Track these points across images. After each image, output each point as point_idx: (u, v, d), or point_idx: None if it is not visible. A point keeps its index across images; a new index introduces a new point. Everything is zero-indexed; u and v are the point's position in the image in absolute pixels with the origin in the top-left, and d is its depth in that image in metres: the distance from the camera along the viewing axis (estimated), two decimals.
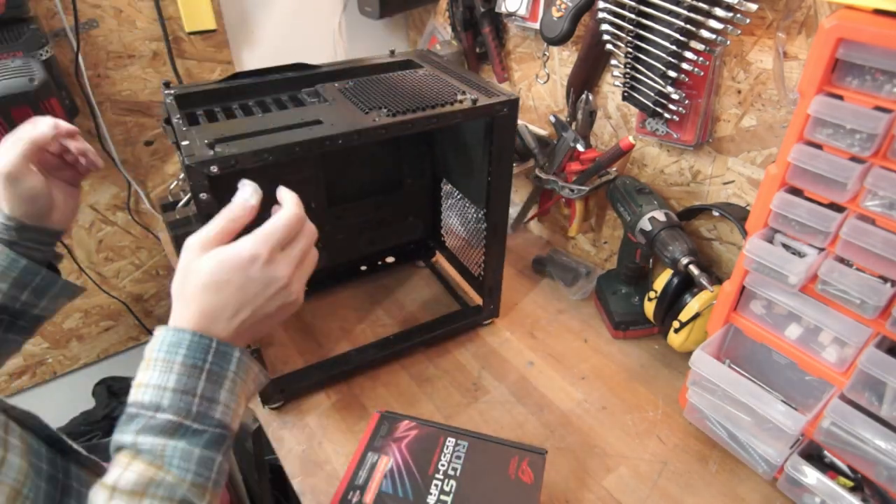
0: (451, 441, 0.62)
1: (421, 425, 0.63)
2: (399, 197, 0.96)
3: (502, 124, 0.71)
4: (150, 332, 1.30)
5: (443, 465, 0.60)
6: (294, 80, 0.74)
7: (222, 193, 0.51)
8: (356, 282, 1.01)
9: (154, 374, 0.42)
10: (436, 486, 0.57)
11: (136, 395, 0.42)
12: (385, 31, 1.33)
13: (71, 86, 0.98)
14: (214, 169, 0.54)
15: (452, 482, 0.58)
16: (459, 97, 0.67)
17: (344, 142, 0.60)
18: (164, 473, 0.40)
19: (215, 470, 0.43)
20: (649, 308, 0.82)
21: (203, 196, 0.54)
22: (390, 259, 1.04)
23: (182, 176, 1.09)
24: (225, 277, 0.44)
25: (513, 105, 0.69)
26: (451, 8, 1.08)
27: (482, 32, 1.05)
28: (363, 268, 1.03)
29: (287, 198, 0.49)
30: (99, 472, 0.51)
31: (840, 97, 0.48)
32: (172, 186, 1.16)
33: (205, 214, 0.52)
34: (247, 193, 0.48)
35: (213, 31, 1.07)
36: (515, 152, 0.90)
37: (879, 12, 0.44)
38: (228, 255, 0.44)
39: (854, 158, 0.49)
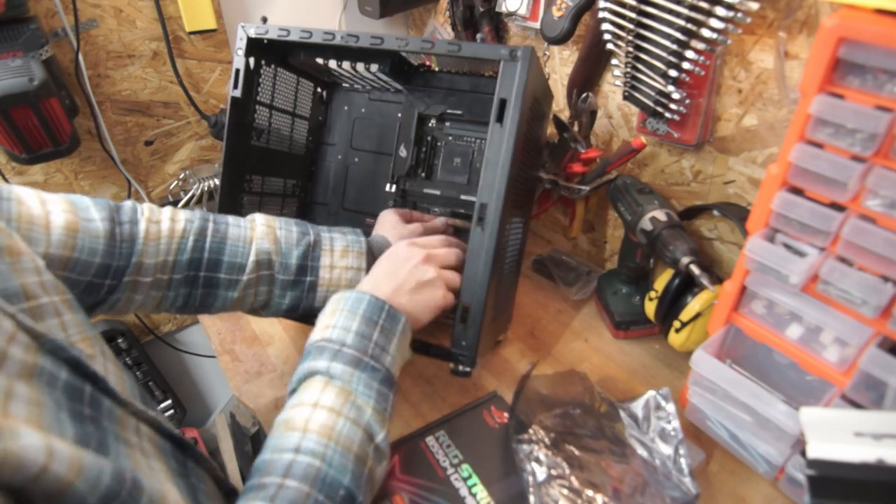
0: (430, 440, 0.63)
1: (393, 447, 0.63)
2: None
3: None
4: (151, 332, 1.30)
5: (444, 460, 0.60)
6: None
7: None
8: None
9: (340, 318, 0.53)
10: (454, 479, 0.59)
11: (323, 333, 0.52)
12: (385, 31, 1.33)
13: (71, 86, 0.98)
14: None
15: (465, 465, 0.60)
16: None
17: None
18: (354, 398, 0.48)
19: (389, 405, 0.52)
20: (650, 308, 0.82)
21: None
22: None
23: (182, 176, 1.09)
24: (385, 257, 0.62)
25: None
26: (452, 7, 1.08)
27: (482, 32, 1.05)
28: None
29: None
30: (209, 466, 0.49)
31: (841, 96, 0.48)
32: (172, 186, 1.16)
33: None
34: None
35: (214, 30, 1.07)
36: None
37: (881, 12, 0.44)
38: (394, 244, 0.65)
39: (855, 158, 0.48)
